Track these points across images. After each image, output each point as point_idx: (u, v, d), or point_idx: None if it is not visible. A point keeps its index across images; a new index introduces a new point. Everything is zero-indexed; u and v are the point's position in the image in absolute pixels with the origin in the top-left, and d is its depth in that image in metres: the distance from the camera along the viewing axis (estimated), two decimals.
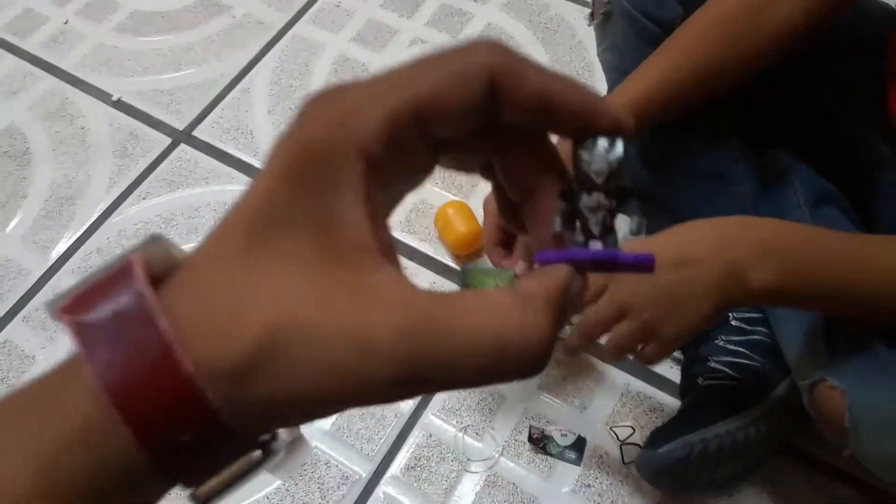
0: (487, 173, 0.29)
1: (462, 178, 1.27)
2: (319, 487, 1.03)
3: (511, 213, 0.29)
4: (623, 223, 0.27)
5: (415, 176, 0.27)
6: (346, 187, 0.23)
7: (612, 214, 0.27)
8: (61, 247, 1.28)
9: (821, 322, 0.78)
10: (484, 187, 1.27)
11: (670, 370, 1.07)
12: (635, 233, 0.27)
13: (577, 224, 0.27)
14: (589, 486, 1.00)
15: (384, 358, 0.22)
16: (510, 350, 0.23)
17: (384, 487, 1.02)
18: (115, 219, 1.30)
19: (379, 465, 1.04)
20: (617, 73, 0.93)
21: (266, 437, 0.24)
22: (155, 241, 0.25)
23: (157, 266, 0.24)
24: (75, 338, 0.22)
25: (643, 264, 0.27)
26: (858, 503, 0.97)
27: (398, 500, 1.01)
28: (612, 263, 0.27)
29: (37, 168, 1.38)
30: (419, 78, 0.24)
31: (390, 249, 0.24)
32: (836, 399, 0.73)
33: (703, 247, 0.68)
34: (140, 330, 0.22)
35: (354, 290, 0.22)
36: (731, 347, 0.96)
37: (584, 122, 0.26)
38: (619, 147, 0.27)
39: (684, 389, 1.01)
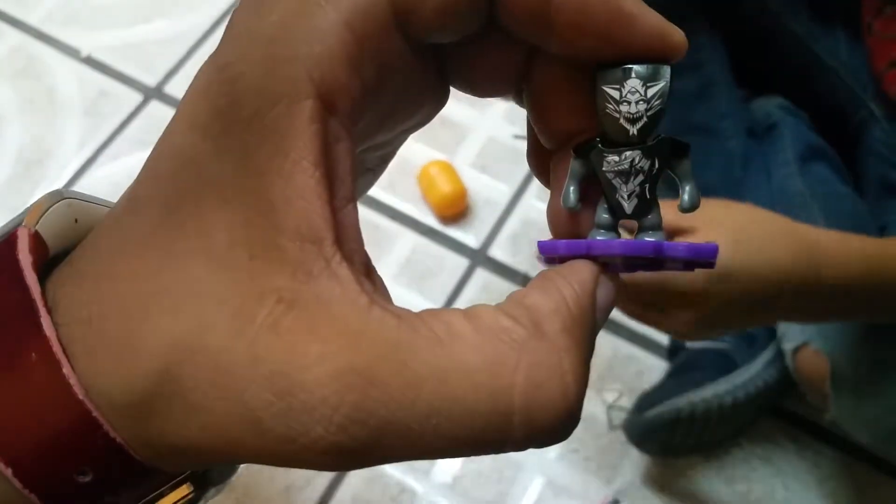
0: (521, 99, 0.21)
1: (446, 135, 1.27)
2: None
3: (540, 163, 0.22)
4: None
5: (412, 104, 0.20)
6: (290, 142, 0.16)
7: (653, 182, 0.19)
8: None
9: None
10: (470, 145, 1.26)
11: (659, 333, 1.08)
12: (687, 209, 0.19)
13: (602, 198, 0.20)
14: (576, 450, 1.02)
15: (315, 415, 0.16)
16: (515, 412, 0.16)
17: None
18: (86, 180, 1.30)
19: None
20: None
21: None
22: (55, 200, 0.19)
23: (56, 239, 0.19)
24: None
25: (701, 260, 0.19)
26: (845, 463, 0.98)
27: (382, 468, 1.02)
28: (655, 260, 0.19)
29: (4, 129, 1.37)
30: None
31: (354, 236, 0.18)
32: (820, 363, 0.74)
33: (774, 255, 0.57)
34: (19, 334, 0.17)
35: (286, 308, 0.16)
36: None
37: (609, 35, 0.18)
38: (664, 79, 0.19)
39: (672, 352, 1.03)
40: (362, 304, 0.17)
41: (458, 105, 1.29)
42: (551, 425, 0.17)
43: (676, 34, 0.18)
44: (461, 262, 1.17)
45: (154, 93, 1.38)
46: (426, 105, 0.21)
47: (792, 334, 0.79)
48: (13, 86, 1.42)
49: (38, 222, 0.18)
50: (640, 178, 0.19)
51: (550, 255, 0.20)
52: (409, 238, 1.19)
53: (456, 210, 1.19)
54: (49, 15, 1.49)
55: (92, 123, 1.36)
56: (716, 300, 0.54)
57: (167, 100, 1.37)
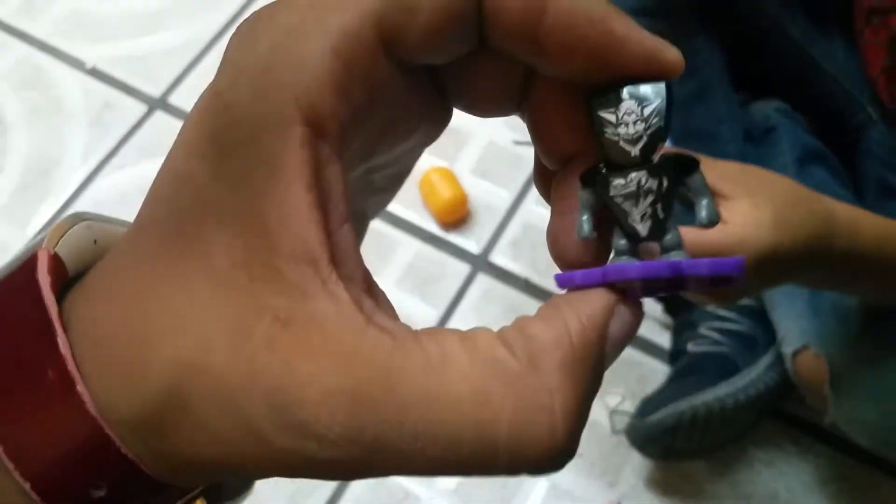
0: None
1: (447, 141, 1.27)
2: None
3: (546, 182, 0.21)
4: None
5: (409, 125, 0.20)
6: (282, 166, 0.17)
7: (664, 201, 0.18)
8: (38, 221, 1.29)
9: (805, 290, 0.79)
10: (471, 151, 1.27)
11: (660, 336, 1.09)
12: (706, 224, 0.19)
13: (617, 225, 0.19)
14: (579, 455, 1.02)
15: (310, 432, 0.16)
16: (500, 446, 0.16)
17: None
18: (91, 190, 1.31)
19: None
20: None
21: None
22: (75, 222, 0.20)
23: (75, 260, 0.19)
24: None
25: (725, 275, 0.18)
26: (846, 465, 0.98)
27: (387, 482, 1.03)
28: (677, 280, 0.18)
29: (11, 140, 1.39)
30: None
31: (351, 255, 0.18)
32: (819, 366, 0.74)
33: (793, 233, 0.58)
34: (37, 353, 0.18)
35: (282, 326, 0.17)
36: (721, 313, 0.97)
37: (601, 58, 0.18)
38: (661, 97, 0.18)
39: (674, 355, 1.03)
40: (357, 324, 0.17)
41: (459, 112, 1.30)
42: (537, 461, 0.17)
43: (670, 53, 0.18)
44: (463, 268, 1.18)
45: (158, 103, 1.40)
46: (425, 125, 0.21)
47: (792, 338, 0.79)
48: (19, 97, 1.43)
49: (57, 244, 0.19)
50: (651, 198, 0.18)
51: (568, 286, 0.19)
52: (411, 244, 1.20)
53: (457, 216, 1.20)
54: (54, 27, 1.51)
55: (97, 134, 1.37)
56: (761, 269, 0.55)
57: (172, 110, 1.38)
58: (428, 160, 1.26)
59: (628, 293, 0.18)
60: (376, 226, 1.23)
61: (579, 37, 0.18)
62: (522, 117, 0.21)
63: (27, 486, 0.17)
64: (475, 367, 0.17)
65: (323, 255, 0.17)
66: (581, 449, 1.04)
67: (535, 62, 0.19)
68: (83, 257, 0.20)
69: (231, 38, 0.18)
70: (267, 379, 0.17)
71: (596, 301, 0.18)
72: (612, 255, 0.20)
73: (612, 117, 0.18)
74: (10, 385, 0.18)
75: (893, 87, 0.77)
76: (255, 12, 0.18)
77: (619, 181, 0.19)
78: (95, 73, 1.44)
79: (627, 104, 0.18)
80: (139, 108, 1.39)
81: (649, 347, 1.09)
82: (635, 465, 1.01)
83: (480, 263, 1.18)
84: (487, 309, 1.14)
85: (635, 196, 0.18)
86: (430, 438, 0.16)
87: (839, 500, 0.98)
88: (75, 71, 1.45)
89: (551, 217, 0.21)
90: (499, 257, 1.18)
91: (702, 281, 0.18)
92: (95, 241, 0.20)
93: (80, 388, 0.17)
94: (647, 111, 0.18)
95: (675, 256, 0.19)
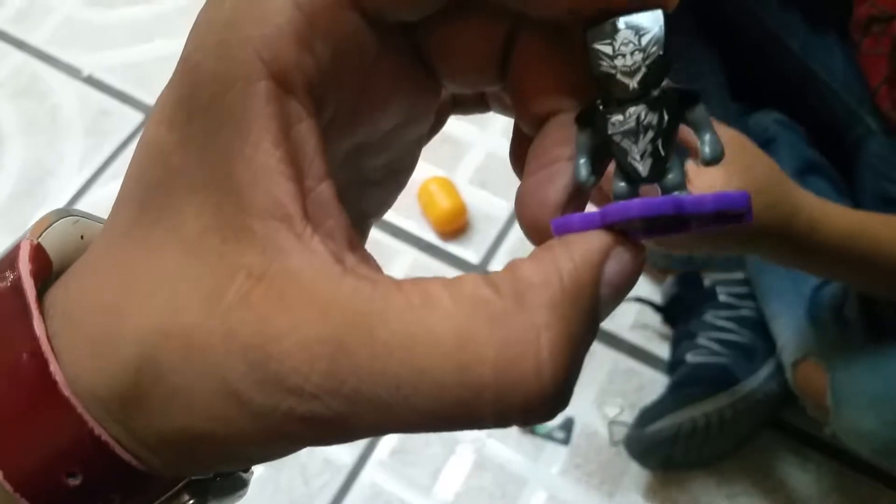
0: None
1: (446, 151, 1.28)
2: (302, 474, 1.05)
3: (522, 155, 0.20)
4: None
5: (389, 93, 0.19)
6: (248, 123, 0.16)
7: (665, 137, 0.17)
8: None
9: (805, 300, 0.80)
10: (469, 161, 1.28)
11: (659, 346, 1.09)
12: (709, 161, 0.18)
13: (613, 163, 0.18)
14: (578, 466, 1.02)
15: (288, 385, 0.16)
16: (485, 388, 0.16)
17: (369, 472, 1.04)
18: (88, 198, 1.31)
19: (364, 450, 1.06)
20: None
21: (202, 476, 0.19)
22: (60, 216, 0.20)
23: (60, 254, 0.19)
24: None
25: (734, 209, 0.17)
26: (846, 476, 0.99)
27: (383, 485, 1.03)
28: (680, 217, 0.17)
29: (7, 148, 1.38)
30: None
31: (331, 212, 0.17)
32: (819, 377, 0.74)
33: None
34: (13, 336, 0.17)
35: (256, 281, 0.16)
36: (720, 323, 0.97)
37: None
38: (658, 23, 0.17)
39: (673, 366, 1.03)
40: (334, 274, 0.16)
41: (458, 121, 1.30)
42: (524, 405, 0.16)
43: None
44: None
45: None
46: (406, 94, 0.20)
47: (791, 348, 0.80)
48: (15, 105, 1.43)
49: (41, 236, 0.19)
50: (651, 134, 0.17)
51: (564, 231, 0.18)
52: (409, 254, 1.20)
53: (455, 226, 1.20)
54: (51, 35, 1.51)
55: (93, 142, 1.37)
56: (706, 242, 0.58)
57: None
58: (427, 170, 1.26)
59: (630, 236, 0.17)
60: (374, 235, 1.23)
61: None
62: (504, 93, 0.20)
63: (0, 474, 0.17)
64: (458, 308, 0.16)
65: (297, 211, 0.16)
66: (580, 460, 1.05)
67: (521, 3, 0.18)
68: (69, 251, 0.19)
69: (204, 4, 0.18)
70: (242, 335, 0.16)
71: (592, 241, 0.17)
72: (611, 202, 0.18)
73: (608, 49, 0.18)
74: None
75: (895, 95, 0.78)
76: None
77: (617, 117, 0.18)
78: (91, 81, 1.44)
79: (624, 34, 0.17)
80: (135, 117, 1.39)
81: (648, 357, 1.09)
82: (634, 475, 1.01)
83: (479, 273, 1.18)
84: None
85: (635, 132, 0.17)
86: (412, 385, 0.15)
87: None
88: (71, 79, 1.45)
89: (523, 180, 0.19)
90: (497, 267, 1.18)
91: (706, 219, 0.17)
92: (82, 237, 0.20)
93: (52, 367, 0.17)
94: (644, 40, 0.17)
95: (678, 194, 0.18)
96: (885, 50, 0.77)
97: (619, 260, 0.17)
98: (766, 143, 0.95)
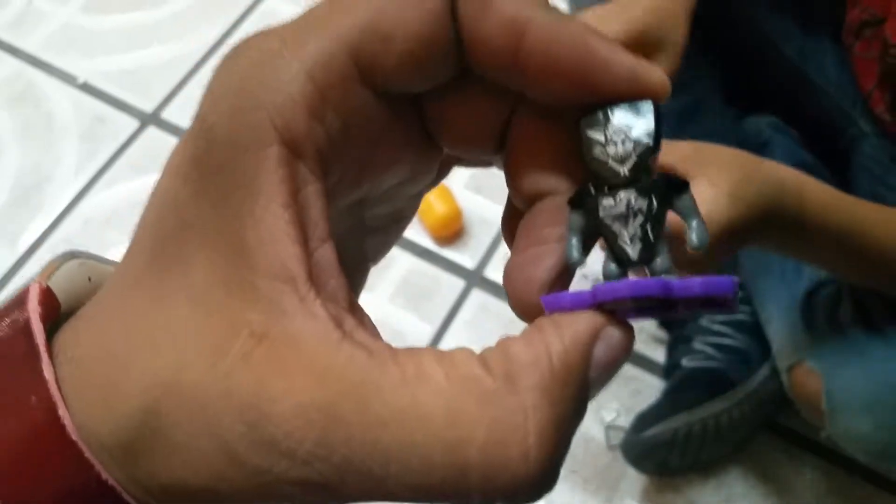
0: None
1: None
2: None
3: (513, 228, 0.21)
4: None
5: (393, 156, 0.20)
6: (259, 186, 0.17)
7: (655, 222, 0.18)
8: (29, 237, 1.29)
9: (800, 303, 0.80)
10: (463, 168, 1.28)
11: (655, 351, 1.09)
12: (696, 247, 0.18)
13: (607, 250, 0.19)
14: (574, 471, 1.02)
15: (282, 448, 0.16)
16: (472, 469, 0.16)
17: None
18: (83, 206, 1.31)
19: None
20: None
21: None
22: (67, 259, 0.20)
23: (68, 296, 0.20)
24: None
25: (718, 296, 0.17)
26: (842, 479, 0.99)
27: None
28: (665, 302, 0.17)
29: (2, 155, 1.38)
30: (355, 7, 0.18)
31: (332, 274, 0.18)
32: (814, 382, 0.74)
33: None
34: (23, 378, 0.18)
35: (257, 342, 0.17)
36: (715, 327, 0.97)
37: (584, 80, 0.18)
38: (649, 116, 0.18)
39: (669, 370, 1.03)
40: (333, 340, 0.17)
41: None
42: (511, 488, 0.16)
43: (655, 75, 0.18)
44: (457, 283, 1.18)
45: (151, 118, 1.40)
46: (409, 157, 0.21)
47: (786, 352, 0.80)
48: (10, 112, 1.43)
49: (49, 278, 0.19)
50: (640, 218, 0.18)
51: (555, 309, 0.18)
52: (405, 260, 1.20)
53: (451, 231, 1.20)
54: (46, 42, 1.51)
55: (89, 149, 1.37)
56: (715, 244, 0.57)
57: (164, 125, 1.38)
58: None
59: (618, 315, 0.18)
60: None
61: (561, 58, 0.18)
62: (500, 164, 0.21)
63: None
64: (450, 385, 0.16)
65: (301, 273, 0.17)
66: (576, 465, 1.05)
67: (519, 86, 0.19)
68: (76, 292, 0.20)
69: (219, 63, 0.18)
70: (241, 395, 0.16)
71: (581, 322, 0.17)
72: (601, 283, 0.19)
73: (600, 137, 0.18)
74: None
75: (889, 97, 0.77)
76: (244, 39, 0.18)
77: (608, 201, 0.18)
78: (87, 88, 1.44)
79: (616, 123, 0.18)
80: (131, 124, 1.39)
81: (644, 362, 1.09)
82: (631, 480, 1.00)
83: (475, 278, 1.18)
84: (482, 324, 1.14)
85: (625, 217, 0.18)
86: (401, 461, 0.16)
87: None
88: (67, 86, 1.45)
89: (512, 256, 0.20)
90: (493, 272, 1.18)
91: (693, 302, 0.18)
92: (90, 279, 0.20)
93: (61, 412, 0.17)
94: (635, 131, 0.18)
95: (667, 278, 0.18)
96: (877, 53, 0.77)
97: (608, 341, 0.18)
98: (760, 147, 0.94)
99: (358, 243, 0.23)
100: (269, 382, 0.16)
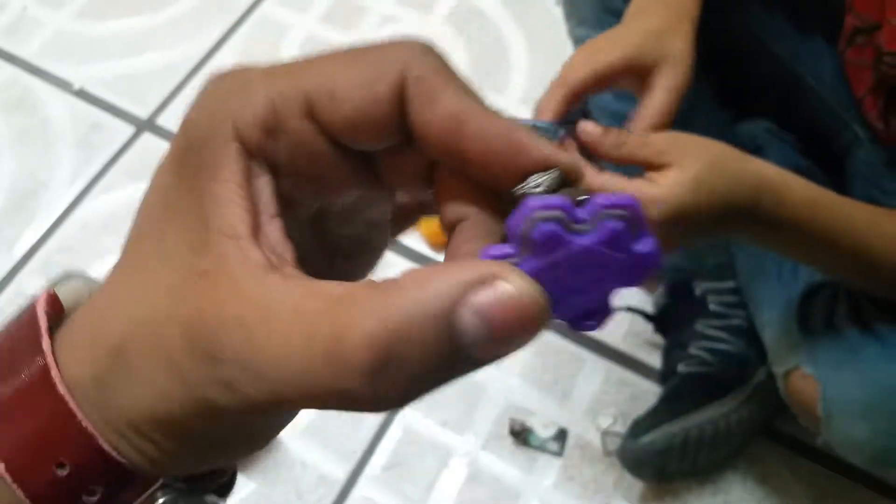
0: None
1: None
2: (296, 489, 1.04)
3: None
4: None
5: (339, 180, 0.23)
6: (220, 171, 0.21)
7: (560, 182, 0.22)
8: (24, 244, 1.29)
9: (795, 308, 0.80)
10: None
11: (651, 356, 1.09)
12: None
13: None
14: (571, 478, 1.02)
15: (209, 351, 0.20)
16: (315, 355, 0.19)
17: (362, 488, 1.04)
18: (79, 212, 1.31)
19: (356, 465, 1.05)
20: None
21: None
22: (70, 276, 0.25)
23: (70, 302, 0.23)
24: None
25: (622, 205, 0.20)
26: (839, 483, 0.99)
27: (377, 500, 1.03)
28: (581, 254, 0.20)
29: None
30: (321, 68, 0.22)
31: (278, 241, 0.22)
32: (810, 387, 0.74)
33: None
34: (26, 353, 0.22)
35: (199, 278, 0.20)
36: (711, 333, 0.97)
37: (509, 161, 0.21)
38: (554, 175, 0.21)
39: (665, 376, 1.03)
40: (260, 272, 0.20)
41: None
42: (341, 385, 0.19)
43: (564, 158, 0.22)
44: None
45: (146, 125, 1.40)
46: (357, 186, 0.24)
47: (782, 358, 0.80)
48: (6, 119, 1.43)
49: (55, 287, 0.24)
50: (548, 178, 0.21)
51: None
52: (402, 266, 1.20)
53: (447, 237, 1.20)
54: (41, 48, 1.51)
55: (84, 156, 1.37)
56: (671, 225, 0.59)
57: (159, 132, 1.38)
58: None
59: (547, 287, 0.19)
60: None
61: (492, 145, 0.21)
62: (424, 192, 0.25)
63: (1, 466, 0.21)
64: (332, 296, 0.19)
65: (245, 232, 0.21)
66: (573, 471, 1.04)
67: (457, 165, 0.22)
68: (78, 303, 0.24)
69: (203, 85, 0.23)
70: (182, 317, 0.20)
71: (471, 266, 0.19)
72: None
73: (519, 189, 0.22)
74: (3, 378, 0.22)
75: (881, 105, 0.78)
76: (226, 69, 0.23)
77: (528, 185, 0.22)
78: (83, 95, 1.44)
79: (531, 181, 0.21)
80: (127, 130, 1.39)
81: (640, 367, 1.09)
82: (628, 486, 1.00)
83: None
84: None
85: (536, 185, 0.22)
86: (281, 357, 0.19)
87: None
88: (62, 92, 1.45)
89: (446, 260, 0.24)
90: None
91: (605, 250, 0.20)
92: (90, 294, 0.24)
93: (53, 372, 0.21)
94: (544, 181, 0.21)
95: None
96: (869, 60, 0.77)
97: (497, 290, 0.18)
98: (755, 152, 0.94)
99: (326, 261, 0.26)
100: (204, 304, 0.20)
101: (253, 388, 0.20)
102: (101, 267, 1.24)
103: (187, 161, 0.22)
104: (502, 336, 0.18)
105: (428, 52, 0.22)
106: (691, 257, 1.02)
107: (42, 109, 1.43)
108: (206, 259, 0.21)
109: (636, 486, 1.00)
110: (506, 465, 1.04)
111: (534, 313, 0.18)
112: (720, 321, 0.98)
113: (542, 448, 1.03)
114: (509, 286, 0.18)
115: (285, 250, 0.22)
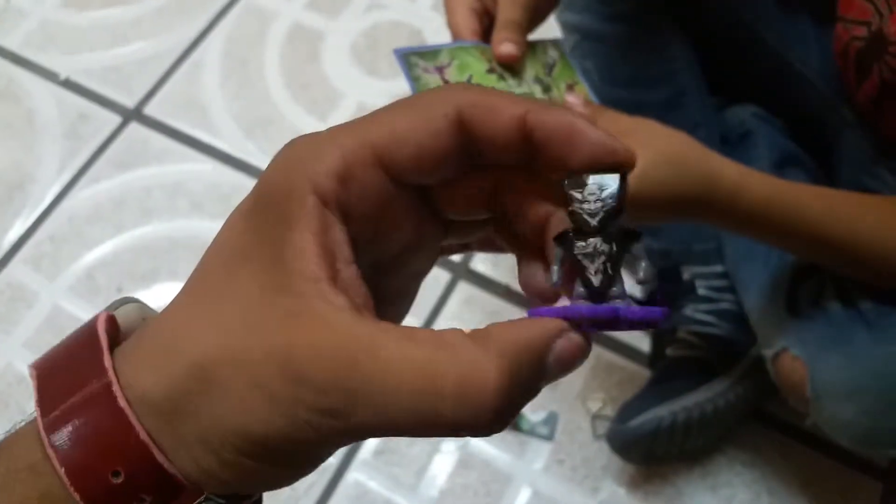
0: (499, 236, 0.29)
1: None
2: None
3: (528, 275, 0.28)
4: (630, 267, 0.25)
5: (405, 225, 0.26)
6: (296, 221, 0.23)
7: (613, 261, 0.24)
8: (13, 235, 1.28)
9: (783, 290, 0.80)
10: None
11: (640, 341, 1.09)
12: (643, 282, 0.25)
13: (578, 274, 0.25)
14: (561, 461, 1.02)
15: (305, 379, 0.22)
16: (445, 398, 0.21)
17: (354, 473, 1.03)
18: (67, 202, 1.29)
19: (348, 450, 1.05)
20: (577, 33, 0.93)
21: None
22: (126, 302, 0.27)
23: (126, 324, 0.26)
24: (34, 384, 0.24)
25: (651, 320, 0.24)
26: (828, 465, 0.99)
27: (369, 485, 1.03)
28: (613, 321, 0.24)
29: None
30: (381, 118, 0.25)
31: (354, 286, 0.24)
32: (798, 369, 0.74)
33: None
34: (89, 366, 0.24)
35: (289, 314, 0.22)
36: (699, 317, 0.97)
37: (568, 151, 0.24)
38: (616, 183, 0.24)
39: (653, 360, 1.03)
40: (346, 315, 0.22)
41: None
42: (472, 418, 0.21)
43: (621, 150, 0.24)
44: (443, 276, 1.17)
45: (133, 114, 1.38)
46: (416, 224, 0.27)
47: (771, 341, 0.80)
48: None
49: (114, 311, 0.26)
50: (603, 258, 0.24)
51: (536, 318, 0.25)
52: None
53: None
54: (27, 38, 1.49)
55: (71, 146, 1.36)
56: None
57: (146, 121, 1.37)
58: None
59: (582, 328, 0.24)
60: None
61: (554, 136, 0.24)
62: (490, 214, 0.28)
63: (62, 470, 0.22)
64: (433, 339, 0.22)
65: (323, 277, 0.23)
66: (563, 454, 1.04)
67: (523, 161, 0.25)
68: (133, 326, 0.26)
69: (281, 149, 0.25)
70: (275, 346, 0.22)
71: (550, 322, 0.24)
72: (573, 299, 0.25)
73: (578, 195, 0.25)
74: (68, 391, 0.23)
75: (875, 92, 0.77)
76: (300, 136, 0.25)
77: (581, 243, 0.25)
78: (69, 85, 1.43)
79: (591, 186, 0.25)
80: (114, 120, 1.38)
81: (629, 352, 1.09)
82: (617, 469, 1.00)
83: (461, 271, 1.18)
84: (468, 317, 1.13)
85: (592, 256, 0.24)
86: (399, 384, 0.21)
87: (821, 501, 0.98)
88: (48, 83, 1.43)
89: (520, 271, 0.28)
90: (479, 265, 1.18)
91: (632, 324, 0.24)
92: (144, 319, 0.26)
93: (114, 388, 0.23)
94: (604, 194, 0.24)
95: (618, 303, 0.24)
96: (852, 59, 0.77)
97: (568, 339, 0.24)
98: (743, 137, 0.94)
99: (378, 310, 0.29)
100: (296, 340, 0.22)
101: (365, 415, 0.21)
102: (89, 257, 1.23)
103: (265, 213, 0.24)
104: (563, 372, 0.24)
105: (474, 86, 0.25)
106: (680, 243, 1.02)
107: (28, 100, 1.42)
108: (288, 299, 0.23)
109: (626, 469, 1.00)
110: (496, 449, 1.03)
111: (584, 355, 0.24)
112: (709, 305, 0.98)
113: (532, 432, 1.03)
114: (577, 337, 0.24)
115: (361, 295, 0.24)
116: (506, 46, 0.66)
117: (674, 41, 0.95)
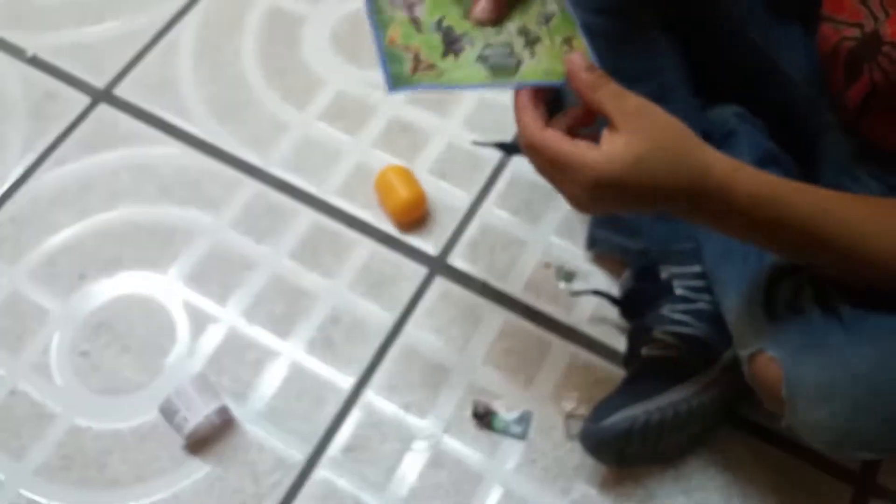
0: None
1: (405, 141, 1.28)
2: (252, 472, 1.04)
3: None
4: None
5: None
6: None
7: None
8: None
9: (760, 291, 0.81)
10: (429, 151, 1.28)
11: (616, 340, 1.10)
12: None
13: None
14: (534, 461, 1.03)
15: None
16: None
17: (322, 470, 1.04)
18: (31, 184, 1.28)
19: (316, 447, 1.05)
20: None
21: None
22: None
23: None
24: None
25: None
26: (801, 469, 1.01)
27: (336, 482, 1.03)
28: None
29: None
30: None
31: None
32: (774, 370, 0.76)
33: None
34: None
35: None
36: (676, 317, 0.98)
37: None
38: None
39: (628, 360, 1.04)
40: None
41: (417, 110, 1.30)
42: None
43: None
44: (419, 271, 1.18)
45: (103, 95, 1.37)
46: None
47: (746, 342, 0.81)
48: None
49: None
50: None
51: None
52: (366, 246, 1.20)
53: (414, 216, 1.20)
54: None
55: (37, 126, 1.34)
56: (601, 190, 0.62)
57: (116, 102, 1.36)
58: (386, 159, 1.26)
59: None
60: (331, 226, 1.22)
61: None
62: None
63: None
64: None
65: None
66: (535, 454, 1.05)
67: None
68: None
69: None
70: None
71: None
72: None
73: None
74: None
75: (861, 95, 0.79)
76: None
77: None
78: (36, 63, 1.41)
79: None
80: (82, 100, 1.37)
81: (605, 352, 1.10)
82: (590, 470, 1.02)
83: (438, 266, 1.18)
84: (444, 312, 1.14)
85: None
86: None
87: None
88: (15, 60, 1.42)
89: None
90: (457, 260, 1.18)
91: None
92: None
93: None
94: None
95: None
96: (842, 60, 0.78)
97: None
98: (726, 136, 0.96)
99: None
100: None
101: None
102: (51, 241, 1.22)
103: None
104: None
105: None
106: (657, 243, 1.03)
107: None
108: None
109: (598, 470, 1.01)
110: (468, 448, 1.04)
111: None
112: (686, 305, 0.99)
113: (505, 431, 1.04)
114: None
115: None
116: (481, 10, 0.67)
117: (662, 39, 0.96)
